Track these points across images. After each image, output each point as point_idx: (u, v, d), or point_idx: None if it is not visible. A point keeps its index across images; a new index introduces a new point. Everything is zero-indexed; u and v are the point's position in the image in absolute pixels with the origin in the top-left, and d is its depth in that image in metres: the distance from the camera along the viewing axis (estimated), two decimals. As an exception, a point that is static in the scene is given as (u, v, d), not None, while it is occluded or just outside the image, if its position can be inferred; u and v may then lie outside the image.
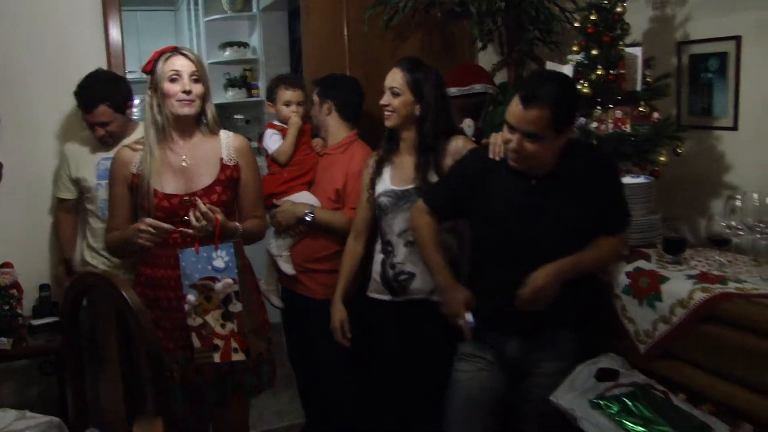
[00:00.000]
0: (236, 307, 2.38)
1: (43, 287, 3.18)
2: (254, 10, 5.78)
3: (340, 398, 3.20)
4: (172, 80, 2.41)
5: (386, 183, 2.79)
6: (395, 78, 2.73)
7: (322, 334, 3.09)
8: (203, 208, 2.33)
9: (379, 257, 2.83)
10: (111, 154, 3.01)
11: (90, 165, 3.09)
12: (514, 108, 2.19)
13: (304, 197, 3.09)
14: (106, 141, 3.05)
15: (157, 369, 1.69)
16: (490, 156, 2.43)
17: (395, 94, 2.71)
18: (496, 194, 2.39)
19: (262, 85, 5.70)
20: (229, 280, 2.37)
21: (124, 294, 1.72)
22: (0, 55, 3.17)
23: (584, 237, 2.34)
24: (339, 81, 3.29)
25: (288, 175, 3.13)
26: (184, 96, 2.41)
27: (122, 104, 3.04)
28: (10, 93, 3.20)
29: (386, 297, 2.80)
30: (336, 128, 3.19)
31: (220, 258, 2.36)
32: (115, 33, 3.34)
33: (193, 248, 2.36)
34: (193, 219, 2.33)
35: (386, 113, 2.74)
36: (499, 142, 2.41)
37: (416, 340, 2.73)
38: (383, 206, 2.77)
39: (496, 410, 2.49)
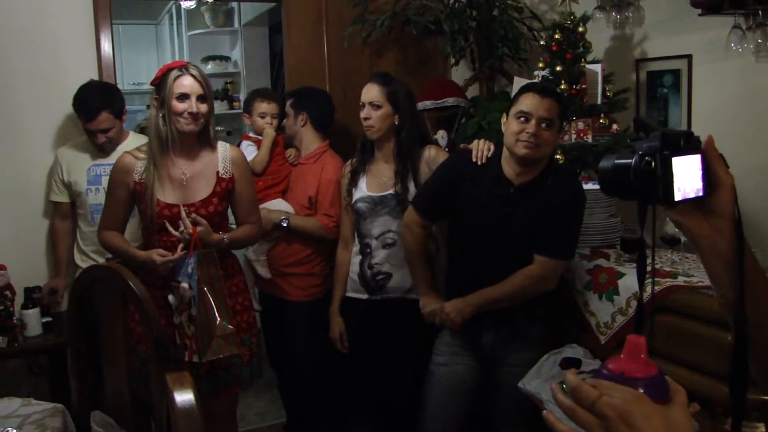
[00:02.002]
0: (194, 311, 2.50)
1: (33, 289, 3.25)
2: (236, 25, 5.92)
3: (319, 396, 3.33)
4: (180, 100, 2.52)
5: (363, 190, 2.94)
6: (373, 92, 2.87)
7: (300, 334, 3.25)
8: (184, 215, 2.50)
9: (356, 258, 2.97)
10: (103, 161, 3.19)
11: (81, 171, 3.21)
12: (531, 99, 2.41)
13: (278, 204, 3.24)
14: (105, 147, 3.19)
15: (162, 354, 1.83)
16: (474, 160, 2.60)
17: (376, 107, 2.85)
18: (476, 197, 2.55)
19: (242, 97, 5.84)
20: (185, 286, 2.49)
21: (130, 283, 1.87)
22: (-6, 66, 3.25)
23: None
24: (313, 94, 3.44)
25: (263, 183, 3.26)
26: (189, 117, 2.53)
27: (120, 110, 3.20)
28: (4, 102, 3.29)
29: (363, 296, 2.94)
30: (309, 139, 3.33)
31: (189, 265, 2.50)
32: (106, 46, 3.45)
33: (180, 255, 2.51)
34: (171, 229, 2.51)
35: (367, 126, 2.87)
36: (482, 147, 2.61)
37: (392, 337, 2.87)
38: (361, 211, 2.92)
39: (471, 400, 2.66)
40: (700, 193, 1.05)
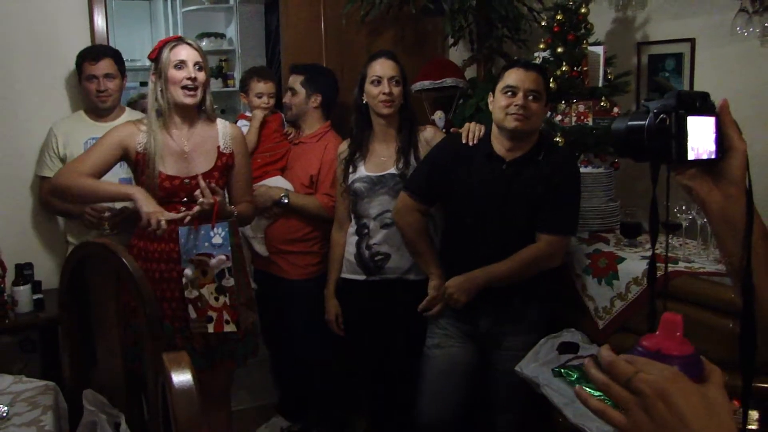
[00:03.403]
0: (229, 282, 2.51)
1: (24, 266, 3.20)
2: (231, 2, 5.84)
3: (314, 376, 3.32)
4: (178, 68, 2.52)
5: (361, 170, 2.90)
6: (392, 68, 2.83)
7: (296, 312, 3.25)
8: (203, 184, 2.46)
9: (353, 239, 2.93)
10: (99, 134, 3.12)
11: (78, 143, 3.15)
12: (516, 73, 2.46)
13: (278, 182, 3.23)
14: (104, 101, 3.15)
15: (156, 332, 1.80)
16: (464, 141, 2.61)
17: (397, 83, 2.82)
18: (469, 177, 2.56)
19: (237, 75, 5.77)
20: (223, 257, 2.49)
21: (124, 260, 1.84)
22: (-15, 40, 3.21)
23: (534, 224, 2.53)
24: (325, 74, 3.40)
25: (261, 160, 3.26)
26: (188, 83, 2.52)
27: (123, 65, 3.25)
28: (-3, 76, 3.24)
29: (360, 277, 2.91)
30: (315, 119, 3.32)
31: (218, 235, 2.48)
32: (99, 20, 3.41)
33: (191, 226, 2.47)
34: (200, 193, 2.45)
35: (388, 102, 2.80)
36: (473, 129, 2.62)
37: (390, 318, 2.86)
38: (359, 192, 2.88)
39: (468, 382, 2.65)
40: (713, 156, 1.06)
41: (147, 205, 2.40)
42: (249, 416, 3.63)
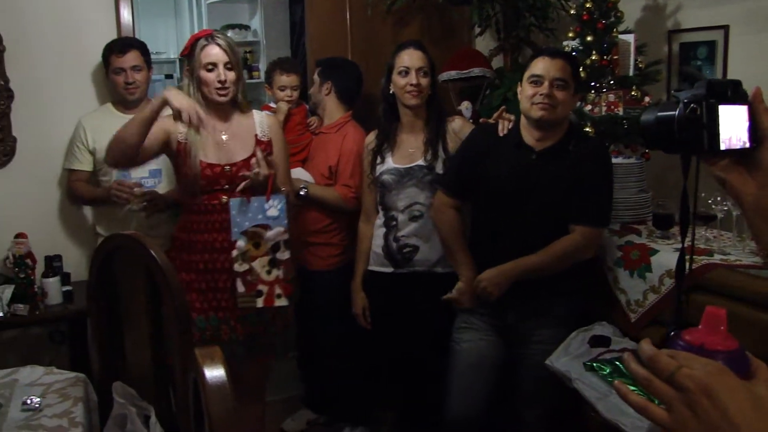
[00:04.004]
0: (284, 255, 2.51)
1: (54, 258, 3.24)
2: (255, -7, 5.86)
3: (338, 366, 3.32)
4: (208, 70, 2.55)
5: (389, 162, 2.88)
6: (420, 58, 2.80)
7: (319, 304, 3.25)
8: (261, 155, 2.49)
9: (380, 231, 2.91)
10: None
11: (107, 136, 3.10)
12: (542, 62, 2.44)
13: (299, 173, 3.23)
14: (132, 93, 3.16)
15: (184, 325, 1.80)
16: (500, 133, 2.60)
17: (425, 74, 2.79)
18: (499, 168, 2.53)
19: (262, 67, 5.77)
20: (281, 229, 2.49)
21: (152, 252, 1.83)
22: (14, 34, 3.22)
23: (566, 215, 2.48)
24: (341, 64, 3.41)
25: (284, 152, 3.26)
26: (219, 85, 2.54)
27: (149, 61, 3.26)
28: (25, 71, 3.26)
29: (388, 269, 2.89)
30: (332, 108, 3.32)
31: (274, 207, 2.48)
32: (126, 13, 3.42)
33: (243, 198, 2.48)
34: (256, 162, 2.47)
35: (413, 92, 2.78)
36: (506, 117, 2.62)
37: (418, 311, 2.83)
38: (386, 183, 2.86)
39: (496, 376, 2.62)
40: (746, 145, 1.03)
41: (177, 99, 2.40)
42: (276, 409, 3.62)
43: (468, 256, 2.64)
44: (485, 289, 2.49)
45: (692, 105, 1.01)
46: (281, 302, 2.52)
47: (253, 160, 2.49)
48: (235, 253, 2.48)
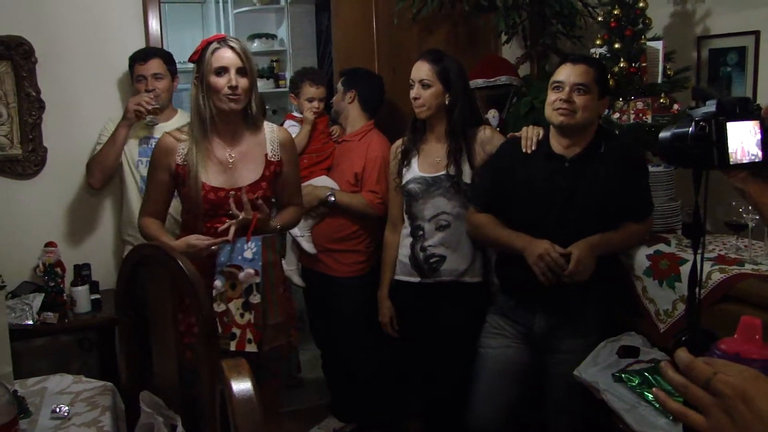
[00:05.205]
0: (255, 298, 2.41)
1: (83, 266, 3.27)
2: (282, 2, 5.85)
3: (364, 374, 3.32)
4: (219, 74, 2.37)
5: (415, 170, 2.87)
6: (423, 70, 2.79)
7: (344, 311, 3.27)
8: (245, 199, 2.38)
9: (407, 240, 2.90)
10: (152, 134, 3.17)
11: (133, 143, 3.20)
12: (564, 69, 2.46)
13: (323, 181, 3.26)
14: (153, 101, 3.12)
15: (211, 334, 1.80)
16: (523, 150, 2.59)
17: (426, 86, 2.76)
18: (531, 178, 2.52)
19: (288, 75, 5.79)
20: (251, 271, 2.40)
21: (180, 262, 1.84)
22: (46, 47, 3.27)
23: (610, 217, 2.47)
24: (365, 74, 3.43)
25: (308, 161, 3.29)
26: (229, 92, 2.36)
27: (173, 70, 3.28)
28: (56, 81, 3.31)
29: (415, 279, 2.87)
30: (355, 117, 3.34)
31: (249, 249, 2.40)
32: (154, 24, 3.46)
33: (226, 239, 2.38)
34: (234, 208, 2.36)
35: (417, 106, 2.79)
36: (531, 135, 2.59)
37: (445, 321, 2.82)
38: (413, 193, 2.85)
39: (522, 383, 2.60)
40: (758, 159, 1.10)
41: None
42: (302, 417, 3.63)
43: (511, 231, 2.56)
44: (577, 266, 2.37)
45: (701, 123, 1.08)
46: (251, 348, 2.40)
47: (234, 207, 2.37)
48: (214, 292, 2.40)
